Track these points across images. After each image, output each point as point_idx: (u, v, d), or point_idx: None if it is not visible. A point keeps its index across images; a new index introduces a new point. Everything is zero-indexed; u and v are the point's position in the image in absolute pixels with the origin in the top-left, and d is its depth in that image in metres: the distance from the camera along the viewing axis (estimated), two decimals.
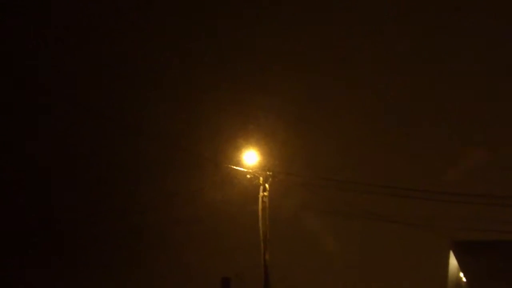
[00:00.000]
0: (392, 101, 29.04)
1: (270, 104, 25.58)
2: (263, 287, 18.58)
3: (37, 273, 25.97)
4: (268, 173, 18.69)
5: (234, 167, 18.77)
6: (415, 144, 28.85)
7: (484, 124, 28.48)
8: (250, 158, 18.85)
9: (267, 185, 18.50)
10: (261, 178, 18.74)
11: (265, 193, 18.49)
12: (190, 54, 29.31)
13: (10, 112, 27.35)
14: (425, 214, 21.29)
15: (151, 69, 29.29)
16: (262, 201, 18.52)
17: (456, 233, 22.12)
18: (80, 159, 27.71)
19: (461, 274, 23.67)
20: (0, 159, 26.73)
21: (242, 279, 21.04)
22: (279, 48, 29.72)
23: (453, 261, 24.19)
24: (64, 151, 28.13)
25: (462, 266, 23.50)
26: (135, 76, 29.22)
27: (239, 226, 22.06)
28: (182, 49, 29.35)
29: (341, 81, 28.98)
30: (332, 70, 29.30)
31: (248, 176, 18.79)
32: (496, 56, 28.51)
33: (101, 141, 26.82)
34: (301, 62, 29.44)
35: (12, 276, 25.59)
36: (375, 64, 29.63)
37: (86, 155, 27.85)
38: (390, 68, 29.38)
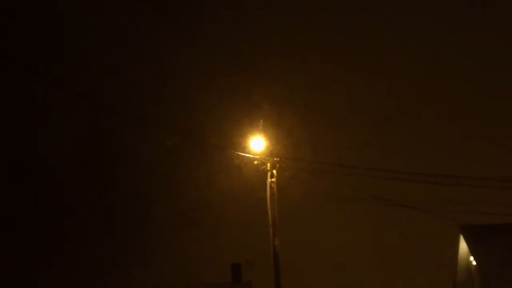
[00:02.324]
0: (399, 86, 28.94)
1: (277, 91, 25.56)
2: (273, 272, 18.62)
3: (46, 264, 26.24)
4: (275, 159, 18.66)
5: (241, 153, 18.75)
6: (422, 129, 28.77)
7: (491, 109, 28.37)
8: (257, 144, 18.81)
9: (274, 171, 18.47)
10: (268, 164, 18.70)
11: (273, 179, 18.47)
12: (196, 41, 29.29)
13: (18, 104, 27.52)
14: (434, 198, 21.24)
15: (158, 59, 29.31)
16: (270, 187, 18.50)
17: (466, 217, 22.03)
18: (88, 150, 27.86)
19: (471, 258, 23.64)
20: (7, 149, 26.92)
21: (252, 265, 21.13)
22: (286, 36, 29.65)
23: (463, 245, 24.15)
24: (73, 143, 28.29)
25: (472, 250, 23.46)
26: (141, 66, 29.24)
27: (248, 212, 22.11)
28: (189, 38, 29.35)
29: (347, 67, 28.88)
30: (339, 57, 29.20)
31: (256, 162, 18.77)
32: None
33: (107, 130, 26.92)
34: (308, 49, 29.35)
35: (18, 267, 25.86)
36: (381, 50, 29.52)
37: (93, 144, 27.99)
38: (397, 54, 29.24)
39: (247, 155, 18.74)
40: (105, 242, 26.09)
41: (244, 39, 29.50)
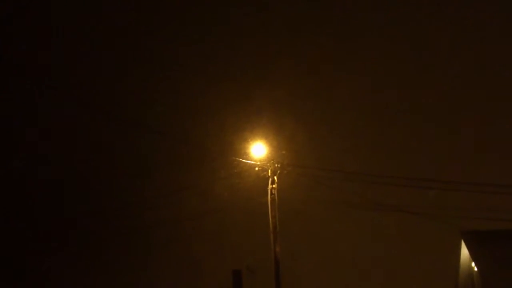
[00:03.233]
0: (400, 92, 28.93)
1: (278, 97, 25.57)
2: (274, 278, 18.58)
3: (48, 270, 26.23)
4: (276, 165, 18.64)
5: (242, 160, 18.75)
6: (423, 135, 28.75)
7: (494, 114, 28.34)
8: (258, 150, 18.80)
9: (275, 178, 18.45)
10: (269, 171, 18.67)
11: (274, 186, 18.44)
12: (198, 48, 29.31)
13: (19, 109, 27.54)
14: (436, 204, 21.21)
15: (158, 64, 29.32)
16: (271, 193, 18.48)
17: (467, 223, 22.01)
18: (88, 156, 27.87)
19: (473, 264, 23.61)
20: (9, 155, 26.93)
21: (253, 271, 21.10)
22: (287, 42, 29.68)
23: (464, 251, 24.13)
24: (73, 149, 28.31)
25: (474, 256, 23.43)
26: (142, 72, 29.26)
27: (249, 219, 22.10)
28: (189, 43, 29.37)
29: (348, 74, 28.89)
30: (340, 63, 29.21)
31: (257, 168, 18.75)
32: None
33: (108, 137, 26.93)
34: (309, 55, 29.37)
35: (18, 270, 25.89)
36: (385, 56, 29.51)
37: (95, 150, 28.00)
38: (398, 60, 29.26)
39: (248, 161, 18.74)
40: (106, 248, 26.08)
41: (245, 44, 29.54)
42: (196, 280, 25.43)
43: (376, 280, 25.64)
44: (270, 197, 18.52)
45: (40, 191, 26.86)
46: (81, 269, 26.57)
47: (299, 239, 24.17)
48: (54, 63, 28.19)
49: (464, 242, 23.92)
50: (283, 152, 18.89)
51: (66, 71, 28.08)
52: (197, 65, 28.80)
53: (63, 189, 27.67)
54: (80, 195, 27.23)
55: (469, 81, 28.79)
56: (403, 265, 25.38)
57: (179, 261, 26.43)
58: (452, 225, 21.82)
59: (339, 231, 25.09)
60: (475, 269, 23.44)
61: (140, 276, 26.30)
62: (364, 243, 25.90)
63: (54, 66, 27.85)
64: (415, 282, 25.04)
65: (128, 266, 26.61)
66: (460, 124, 28.55)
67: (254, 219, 20.77)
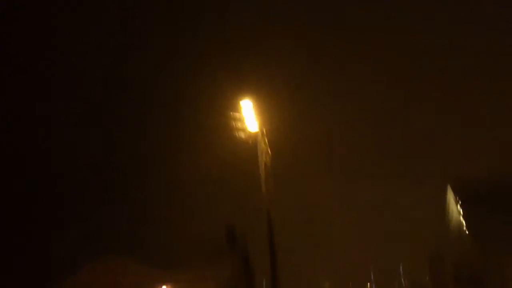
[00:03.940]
0: (389, 65, 28.32)
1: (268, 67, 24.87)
2: (268, 245, 18.86)
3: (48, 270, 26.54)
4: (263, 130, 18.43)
5: (237, 130, 18.43)
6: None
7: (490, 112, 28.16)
8: (252, 124, 18.43)
9: (268, 150, 18.27)
10: (259, 135, 18.42)
11: (267, 157, 18.30)
12: (185, 17, 28.05)
13: (22, 109, 26.75)
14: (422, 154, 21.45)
15: (156, 60, 28.05)
16: (265, 166, 18.37)
17: (452, 169, 22.47)
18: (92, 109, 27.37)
19: (459, 207, 24.32)
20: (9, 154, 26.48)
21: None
22: (285, 41, 28.56)
23: (451, 197, 24.77)
24: (72, 147, 27.90)
25: (460, 199, 24.11)
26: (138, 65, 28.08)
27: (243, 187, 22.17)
28: (183, 26, 28.04)
29: (340, 39, 28.00)
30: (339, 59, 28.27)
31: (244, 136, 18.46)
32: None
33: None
34: (306, 48, 28.37)
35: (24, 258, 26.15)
36: (379, 47, 28.61)
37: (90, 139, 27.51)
38: (395, 49, 28.47)
39: (239, 132, 18.43)
40: (109, 204, 26.34)
41: (243, 39, 28.35)
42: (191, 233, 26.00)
43: (372, 232, 26.40)
44: (264, 167, 18.45)
45: (40, 191, 26.75)
46: (80, 232, 26.93)
47: (291, 206, 24.46)
48: (54, 63, 27.13)
49: (450, 186, 24.48)
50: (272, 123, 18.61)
51: (66, 70, 27.12)
52: (189, 40, 27.75)
53: (62, 187, 27.60)
54: (81, 149, 27.09)
55: (465, 78, 28.27)
56: (397, 221, 26.08)
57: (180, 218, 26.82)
58: (438, 172, 22.22)
59: (330, 200, 25.45)
60: (461, 212, 24.16)
61: (146, 229, 26.76)
62: (356, 209, 26.43)
63: (54, 66, 26.87)
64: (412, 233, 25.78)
65: (130, 223, 26.93)
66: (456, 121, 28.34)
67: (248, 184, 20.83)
